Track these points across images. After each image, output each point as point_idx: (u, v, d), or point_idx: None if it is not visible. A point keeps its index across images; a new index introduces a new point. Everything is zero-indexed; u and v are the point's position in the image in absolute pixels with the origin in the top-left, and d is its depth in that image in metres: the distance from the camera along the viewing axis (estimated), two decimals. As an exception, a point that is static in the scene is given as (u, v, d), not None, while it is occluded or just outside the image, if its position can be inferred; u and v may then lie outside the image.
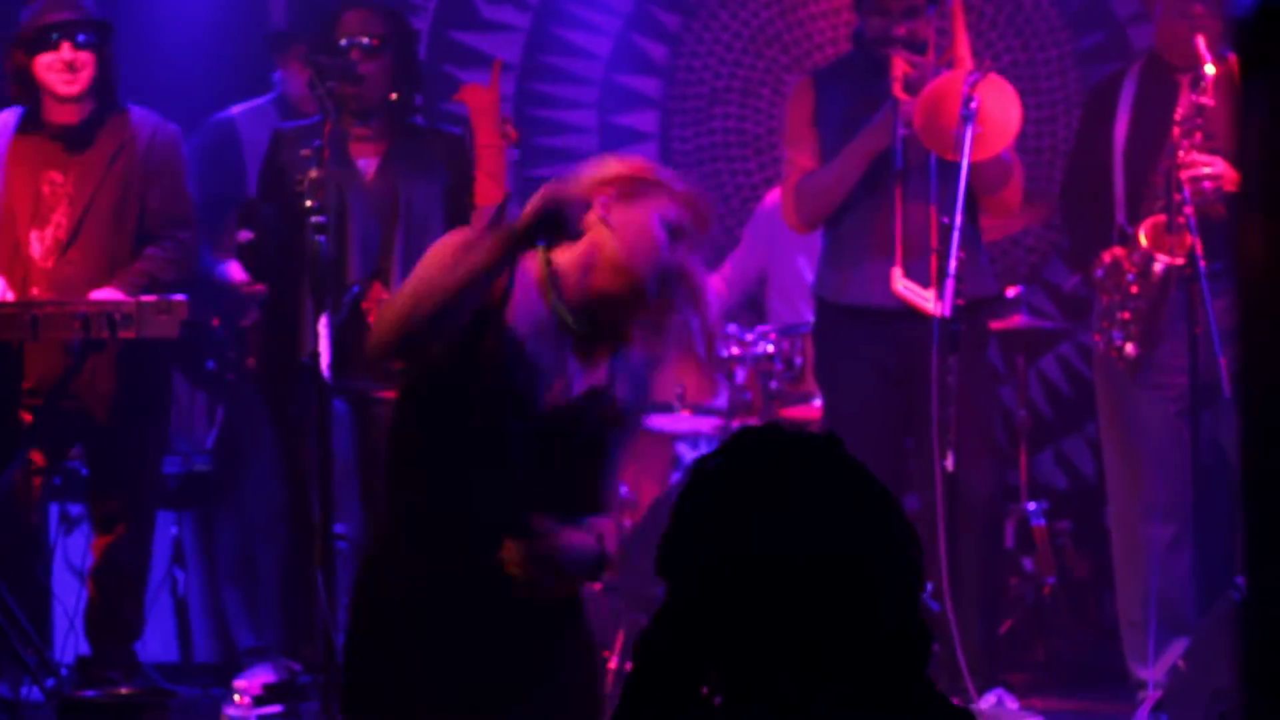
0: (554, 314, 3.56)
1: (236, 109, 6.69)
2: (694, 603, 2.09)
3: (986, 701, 5.69)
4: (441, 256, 3.50)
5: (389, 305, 3.51)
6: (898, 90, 5.73)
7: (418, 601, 3.55)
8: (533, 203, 3.52)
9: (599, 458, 3.62)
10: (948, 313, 5.42)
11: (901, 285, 5.69)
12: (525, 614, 3.55)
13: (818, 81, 6.02)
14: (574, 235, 3.51)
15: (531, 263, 3.57)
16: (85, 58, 5.70)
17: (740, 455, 2.12)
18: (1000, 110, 5.62)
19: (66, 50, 5.69)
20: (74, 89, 5.72)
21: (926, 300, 5.56)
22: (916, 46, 5.77)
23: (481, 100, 5.00)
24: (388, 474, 3.66)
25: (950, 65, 5.73)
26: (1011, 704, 5.73)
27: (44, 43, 5.70)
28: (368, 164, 5.59)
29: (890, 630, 2.07)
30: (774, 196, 6.79)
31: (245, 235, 5.85)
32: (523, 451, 3.52)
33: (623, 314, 3.55)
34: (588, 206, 3.50)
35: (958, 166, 5.44)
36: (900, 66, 5.74)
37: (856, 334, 5.87)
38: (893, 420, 5.84)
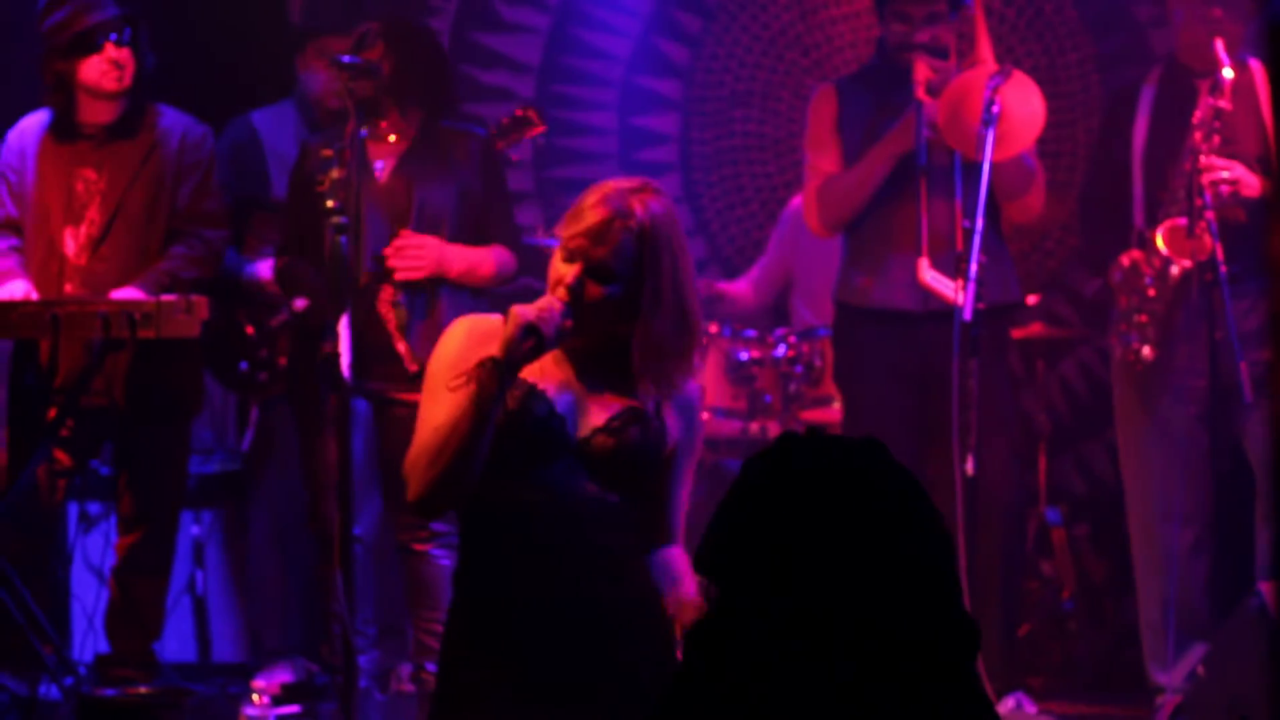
0: (567, 373, 3.65)
1: (255, 113, 6.65)
2: (742, 599, 2.12)
3: (1005, 705, 5.70)
4: (434, 390, 3.60)
5: (412, 460, 3.59)
6: (920, 94, 5.73)
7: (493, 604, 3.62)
8: (507, 332, 3.55)
9: (656, 478, 3.68)
10: (968, 316, 5.41)
11: (929, 275, 5.68)
12: (595, 609, 3.58)
13: (841, 88, 6.03)
14: (554, 346, 3.56)
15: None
16: (127, 54, 5.73)
17: (788, 457, 2.16)
18: (1023, 106, 5.61)
19: (111, 50, 5.70)
20: (124, 85, 5.74)
21: (952, 290, 5.53)
22: (939, 52, 5.77)
23: None
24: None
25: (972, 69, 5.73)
26: (1030, 708, 5.73)
27: (87, 46, 5.70)
28: (382, 164, 5.58)
29: (937, 624, 2.09)
30: (799, 200, 6.78)
31: (301, 303, 5.73)
32: (569, 480, 3.58)
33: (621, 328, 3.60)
34: (560, 324, 3.54)
35: (981, 168, 5.44)
36: (923, 71, 5.74)
37: (877, 337, 5.87)
38: (911, 424, 5.83)
